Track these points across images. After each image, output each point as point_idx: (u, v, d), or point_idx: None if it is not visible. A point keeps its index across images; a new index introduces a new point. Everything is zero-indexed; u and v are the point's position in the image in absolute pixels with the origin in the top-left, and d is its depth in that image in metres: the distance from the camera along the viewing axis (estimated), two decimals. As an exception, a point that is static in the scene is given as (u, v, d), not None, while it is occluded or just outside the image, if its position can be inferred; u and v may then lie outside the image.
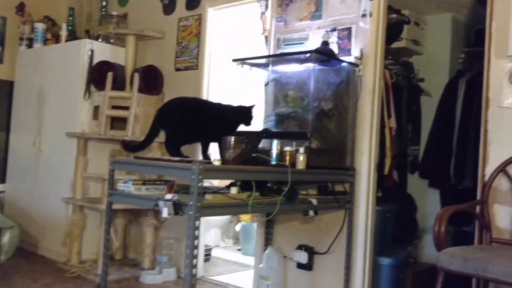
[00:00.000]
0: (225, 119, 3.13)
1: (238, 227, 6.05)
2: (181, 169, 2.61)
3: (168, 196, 2.61)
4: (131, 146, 3.24)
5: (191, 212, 2.51)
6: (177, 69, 5.00)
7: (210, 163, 2.75)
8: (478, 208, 3.06)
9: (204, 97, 4.70)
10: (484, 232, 3.04)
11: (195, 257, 2.49)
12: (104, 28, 5.16)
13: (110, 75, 4.84)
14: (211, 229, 5.97)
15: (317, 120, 3.43)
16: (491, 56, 3.16)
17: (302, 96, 3.56)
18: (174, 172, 2.70)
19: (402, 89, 4.44)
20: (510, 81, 3.10)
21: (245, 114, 3.17)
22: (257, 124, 3.43)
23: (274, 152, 3.15)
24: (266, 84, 3.78)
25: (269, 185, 3.01)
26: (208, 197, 2.68)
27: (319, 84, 3.48)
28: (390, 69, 4.25)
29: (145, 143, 3.11)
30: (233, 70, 3.70)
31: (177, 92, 4.85)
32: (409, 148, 4.66)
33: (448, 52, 4.94)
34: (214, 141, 3.09)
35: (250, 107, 3.19)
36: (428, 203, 4.84)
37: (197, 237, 2.50)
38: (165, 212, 2.56)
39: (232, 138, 2.78)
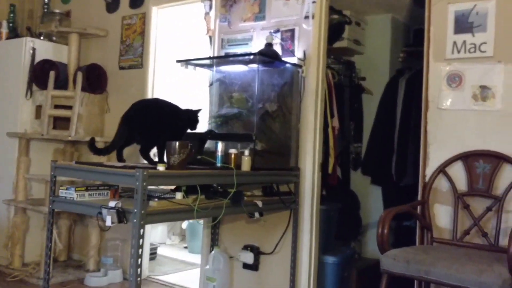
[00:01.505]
0: (178, 122, 3.10)
1: (184, 225, 5.98)
2: (124, 176, 2.53)
3: (112, 204, 2.52)
4: (96, 148, 3.10)
5: (135, 220, 2.43)
6: (121, 68, 4.91)
7: (155, 168, 2.64)
8: (419, 209, 3.08)
9: (149, 96, 4.63)
10: (425, 232, 3.06)
11: (139, 266, 2.41)
12: (47, 25, 5.02)
13: (52, 74, 4.72)
14: (157, 227, 5.88)
15: (262, 121, 3.41)
16: (430, 59, 3.18)
17: (247, 98, 3.55)
18: (118, 179, 2.64)
19: (344, 88, 4.48)
20: (448, 84, 3.13)
21: (192, 118, 3.13)
22: (202, 124, 3.38)
23: (219, 154, 3.13)
24: (211, 85, 3.74)
25: (214, 186, 2.99)
26: (153, 203, 2.60)
27: (263, 85, 3.46)
28: (332, 69, 4.29)
29: (110, 149, 3.02)
30: (178, 69, 3.65)
31: (122, 91, 4.79)
32: (351, 145, 4.72)
33: (388, 51, 4.97)
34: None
35: (197, 111, 3.15)
36: (371, 199, 4.87)
37: (141, 246, 2.43)
38: (108, 221, 2.48)
39: (177, 143, 2.70)
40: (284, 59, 3.55)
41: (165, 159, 2.83)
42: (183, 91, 4.73)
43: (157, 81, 4.70)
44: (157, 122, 2.99)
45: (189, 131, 3.15)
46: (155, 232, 5.75)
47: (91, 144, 3.04)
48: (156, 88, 4.67)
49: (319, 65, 3.59)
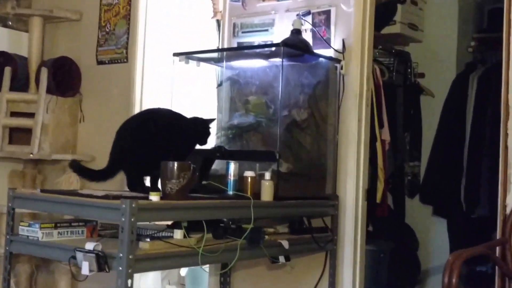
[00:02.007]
0: (186, 137, 3.15)
1: (183, 272, 5.93)
2: (106, 209, 2.53)
3: (89, 246, 2.49)
4: (88, 171, 3.17)
5: (120, 268, 2.40)
6: (100, 62, 4.89)
7: (147, 198, 2.62)
8: (498, 250, 3.03)
9: (137, 100, 4.61)
10: (506, 281, 3.01)
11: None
12: (1, 7, 5.00)
13: (8, 71, 4.72)
14: (148, 273, 5.84)
15: (288, 134, 3.45)
16: (512, 50, 3.14)
17: (267, 102, 3.57)
18: (97, 213, 2.62)
19: (396, 89, 4.50)
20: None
21: (201, 129, 3.16)
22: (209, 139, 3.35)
23: (232, 178, 3.12)
24: (219, 85, 3.77)
25: (225, 221, 3.00)
26: (144, 245, 2.57)
27: (289, 86, 3.48)
28: (381, 63, 4.31)
29: (105, 175, 3.06)
30: (176, 65, 3.67)
31: (100, 93, 4.77)
32: (406, 164, 4.69)
33: (454, 39, 4.95)
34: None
35: (208, 121, 3.17)
36: (433, 236, 4.84)
37: (129, 302, 2.41)
38: (85, 268, 2.46)
39: (175, 164, 2.69)
40: (316, 51, 3.54)
41: (160, 186, 2.83)
42: (182, 94, 4.68)
43: (148, 80, 4.65)
44: (152, 142, 3.03)
45: (197, 146, 3.20)
46: (144, 280, 5.71)
47: (78, 167, 3.11)
48: (146, 89, 4.61)
49: (364, 58, 3.58)
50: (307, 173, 3.54)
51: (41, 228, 2.74)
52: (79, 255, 2.49)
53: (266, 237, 3.05)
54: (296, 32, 3.49)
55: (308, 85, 3.56)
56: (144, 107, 4.48)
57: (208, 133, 3.15)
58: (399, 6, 4.46)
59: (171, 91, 3.88)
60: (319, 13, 3.66)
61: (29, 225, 2.80)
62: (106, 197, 2.63)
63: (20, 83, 4.81)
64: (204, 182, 3.22)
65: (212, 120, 3.19)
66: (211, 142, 3.53)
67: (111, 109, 4.32)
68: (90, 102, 4.89)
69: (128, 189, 3.05)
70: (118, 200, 2.43)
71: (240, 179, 3.14)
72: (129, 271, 2.40)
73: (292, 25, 3.52)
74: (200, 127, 3.15)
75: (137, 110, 4.53)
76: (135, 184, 3.01)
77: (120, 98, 4.55)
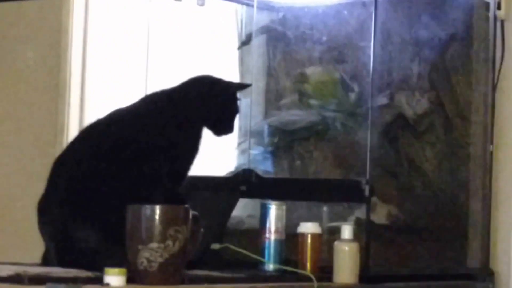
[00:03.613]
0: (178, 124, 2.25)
1: None
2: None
3: None
4: None
5: None
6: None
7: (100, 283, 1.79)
8: None
9: (75, 72, 3.19)
10: None
11: None
12: None
13: None
14: None
15: (389, 144, 2.59)
16: None
17: (344, 79, 2.67)
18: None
19: None
20: None
21: (217, 97, 2.24)
22: (228, 154, 2.74)
23: (272, 237, 2.25)
24: (245, 43, 2.83)
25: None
26: None
27: (391, 45, 2.60)
28: None
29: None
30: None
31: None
32: None
33: None
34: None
35: (233, 85, 2.33)
36: None
37: None
38: None
39: (157, 210, 1.83)
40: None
41: (128, 254, 1.92)
42: (168, 60, 3.25)
43: (95, 31, 3.18)
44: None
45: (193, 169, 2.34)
46: None
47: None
48: (91, 52, 3.14)
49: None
50: (430, 227, 2.61)
51: None
52: None
53: None
54: None
55: (430, 43, 2.66)
56: (88, 92, 3.16)
57: (233, 105, 2.29)
58: None
59: (146, 54, 2.81)
60: None
61: None
62: (17, 278, 1.79)
63: None
64: (215, 246, 2.30)
65: (242, 85, 2.45)
66: (233, 161, 2.79)
67: (21, 93, 3.14)
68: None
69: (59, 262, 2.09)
70: (41, 285, 1.76)
71: (291, 239, 2.28)
72: None
73: None
74: (210, 91, 2.25)
75: (76, 92, 3.13)
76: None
77: (40, 72, 3.15)
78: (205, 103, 2.23)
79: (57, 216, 2.06)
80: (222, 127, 2.25)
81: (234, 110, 2.27)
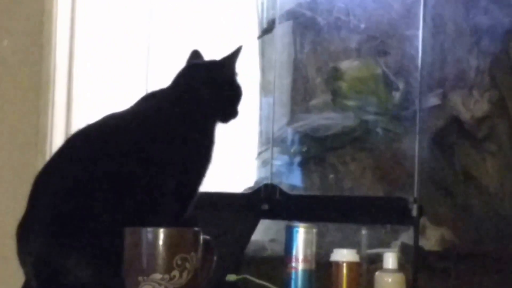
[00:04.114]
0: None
1: None
2: None
3: None
4: None
5: None
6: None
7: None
8: None
9: (59, 66, 3.11)
10: None
11: None
12: None
13: None
14: None
15: (442, 155, 2.67)
16: None
17: (387, 75, 2.73)
18: None
19: None
20: None
21: (214, 84, 2.05)
22: (244, 163, 2.79)
23: (300, 266, 2.12)
24: (267, 32, 2.91)
25: None
26: None
27: (443, 34, 2.70)
28: None
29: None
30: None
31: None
32: None
33: None
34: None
35: (228, 61, 2.05)
36: None
37: None
38: None
39: (161, 233, 1.65)
40: None
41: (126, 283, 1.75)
42: (172, 52, 3.11)
43: (83, 19, 3.11)
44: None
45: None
46: None
47: None
48: (80, 41, 3.08)
49: None
50: (492, 255, 2.55)
51: None
52: None
53: None
54: None
55: (491, 31, 2.67)
56: (76, 89, 3.09)
57: (239, 92, 2.05)
58: None
59: (145, 45, 2.84)
60: None
61: None
62: None
63: None
64: (231, 277, 2.24)
65: (235, 52, 2.09)
66: (250, 175, 2.84)
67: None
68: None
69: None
70: None
71: (322, 269, 2.17)
72: None
73: None
74: (208, 76, 2.05)
75: (61, 90, 3.08)
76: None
77: (19, 65, 3.02)
78: (208, 93, 2.07)
79: (39, 243, 1.81)
80: (228, 113, 2.09)
81: (236, 88, 2.09)
